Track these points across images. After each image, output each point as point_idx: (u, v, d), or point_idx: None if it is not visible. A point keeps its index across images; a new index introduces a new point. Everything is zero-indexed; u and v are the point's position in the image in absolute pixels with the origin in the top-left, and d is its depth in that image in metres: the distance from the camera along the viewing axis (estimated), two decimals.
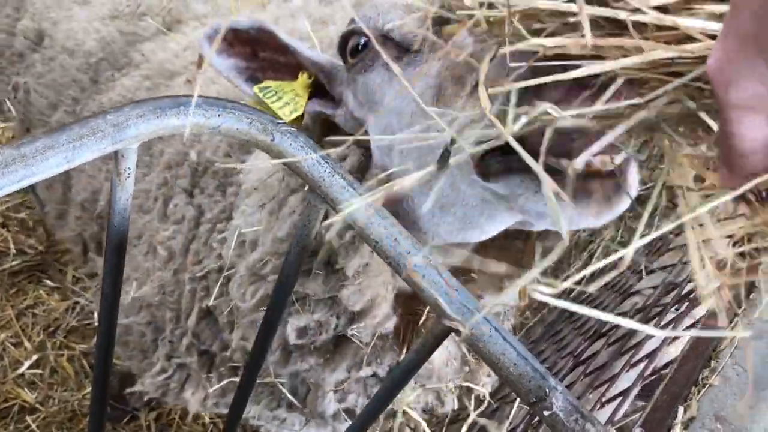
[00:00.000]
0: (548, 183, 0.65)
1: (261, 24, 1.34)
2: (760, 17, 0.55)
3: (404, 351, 1.49)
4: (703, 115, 0.68)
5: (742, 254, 0.73)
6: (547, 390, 0.90)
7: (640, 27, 0.67)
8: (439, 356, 1.52)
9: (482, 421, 1.10)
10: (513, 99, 0.72)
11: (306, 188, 1.36)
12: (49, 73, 2.29)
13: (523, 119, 0.71)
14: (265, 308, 1.37)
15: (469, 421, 1.01)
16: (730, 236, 0.71)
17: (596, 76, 0.71)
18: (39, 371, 3.05)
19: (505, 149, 0.75)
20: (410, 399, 1.51)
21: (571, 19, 0.70)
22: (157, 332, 1.80)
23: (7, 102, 2.51)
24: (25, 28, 2.41)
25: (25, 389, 2.96)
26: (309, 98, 1.35)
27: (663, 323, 1.94)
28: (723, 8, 0.63)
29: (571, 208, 0.84)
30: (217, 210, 1.64)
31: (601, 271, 0.65)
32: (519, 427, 1.94)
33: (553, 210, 0.65)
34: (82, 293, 3.33)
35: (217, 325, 1.65)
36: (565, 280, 0.63)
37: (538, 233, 1.24)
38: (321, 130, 1.40)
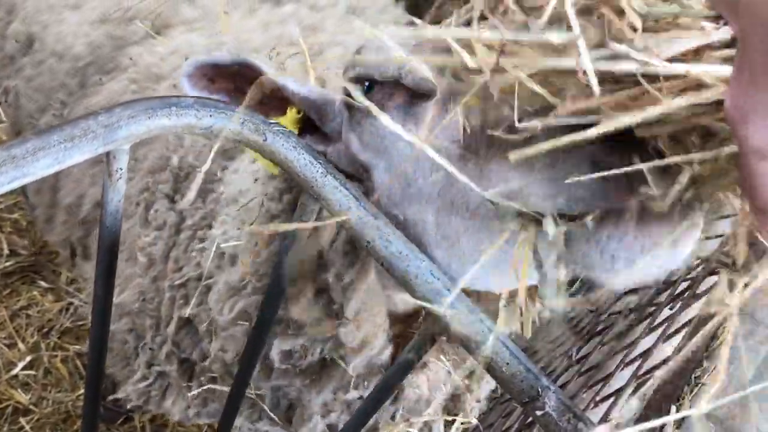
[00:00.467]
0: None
1: (244, 60, 1.26)
2: None
3: None
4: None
5: None
6: (539, 390, 0.90)
7: (651, 82, 0.66)
8: (426, 381, 1.50)
9: None
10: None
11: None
12: (38, 76, 2.28)
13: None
14: (243, 322, 1.36)
15: None
16: None
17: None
18: (33, 372, 3.04)
19: None
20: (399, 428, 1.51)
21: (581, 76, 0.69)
22: (138, 339, 1.79)
23: None
24: (16, 31, 2.40)
25: (19, 390, 2.95)
26: (299, 134, 1.26)
27: (656, 322, 1.94)
28: (732, 52, 0.63)
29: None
30: (198, 217, 1.62)
31: None
32: (513, 426, 1.94)
33: None
34: (76, 294, 3.32)
35: (197, 334, 1.63)
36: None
37: None
38: None
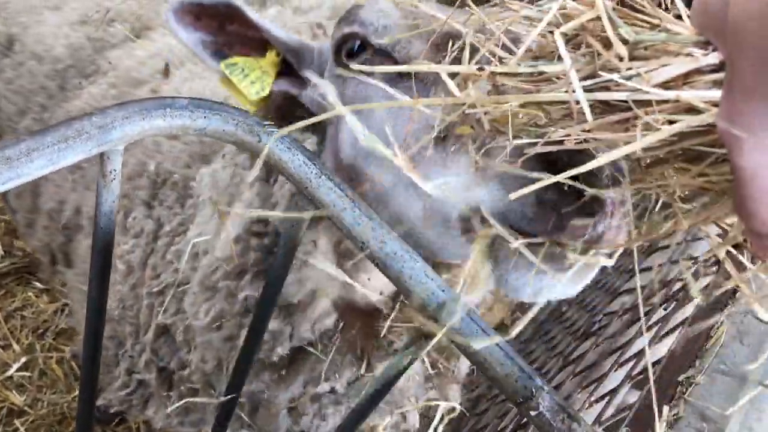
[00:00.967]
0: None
1: (228, 0, 1.29)
2: (759, 69, 0.55)
3: (363, 366, 1.48)
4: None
5: None
6: (533, 390, 0.90)
7: (642, 108, 0.67)
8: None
9: None
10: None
11: (266, 179, 1.36)
12: (18, 78, 2.26)
13: None
14: (219, 327, 1.36)
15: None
16: None
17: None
18: (28, 374, 3.03)
19: None
20: (386, 421, 1.51)
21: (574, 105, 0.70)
22: (119, 347, 1.78)
23: None
24: None
25: (14, 392, 2.94)
26: (276, 76, 1.32)
27: (651, 322, 1.95)
28: (721, 76, 0.63)
29: (547, 276, 0.88)
30: (176, 222, 1.61)
31: None
32: (508, 427, 1.94)
33: None
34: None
35: (175, 343, 1.62)
36: None
37: None
38: (285, 105, 1.38)
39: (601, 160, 0.68)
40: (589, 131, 0.69)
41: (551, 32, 0.73)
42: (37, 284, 3.38)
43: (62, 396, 2.97)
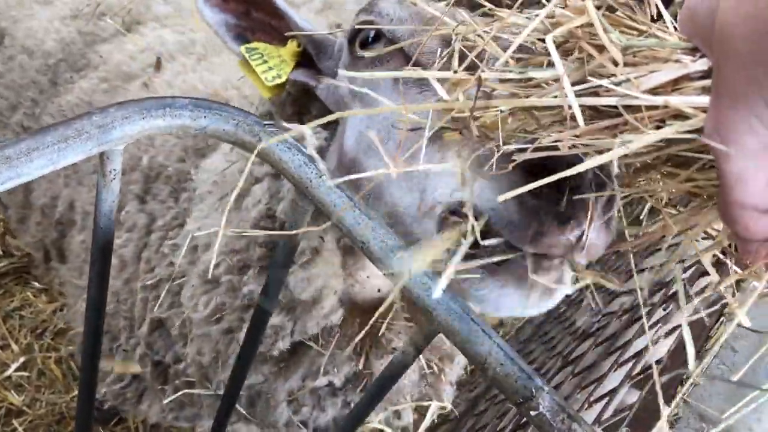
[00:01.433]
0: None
1: None
2: (745, 75, 0.56)
3: (362, 361, 1.48)
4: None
5: None
6: (533, 390, 0.90)
7: (631, 113, 0.67)
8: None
9: None
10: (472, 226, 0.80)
11: (273, 176, 1.36)
12: (8, 73, 2.25)
13: None
14: (219, 320, 1.35)
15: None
16: None
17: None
18: (26, 374, 3.03)
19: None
20: (380, 416, 1.51)
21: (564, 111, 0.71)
22: (113, 341, 1.78)
23: None
24: None
25: (12, 392, 2.94)
26: (295, 67, 1.34)
27: (650, 323, 1.95)
28: (709, 83, 0.64)
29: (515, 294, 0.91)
30: (170, 216, 1.61)
31: None
32: (508, 427, 1.94)
33: None
34: None
35: (170, 337, 1.62)
36: None
37: None
38: (302, 99, 1.40)
39: (585, 165, 0.69)
40: (578, 137, 0.69)
41: (541, 40, 0.73)
42: (36, 284, 3.38)
43: (61, 396, 2.96)
